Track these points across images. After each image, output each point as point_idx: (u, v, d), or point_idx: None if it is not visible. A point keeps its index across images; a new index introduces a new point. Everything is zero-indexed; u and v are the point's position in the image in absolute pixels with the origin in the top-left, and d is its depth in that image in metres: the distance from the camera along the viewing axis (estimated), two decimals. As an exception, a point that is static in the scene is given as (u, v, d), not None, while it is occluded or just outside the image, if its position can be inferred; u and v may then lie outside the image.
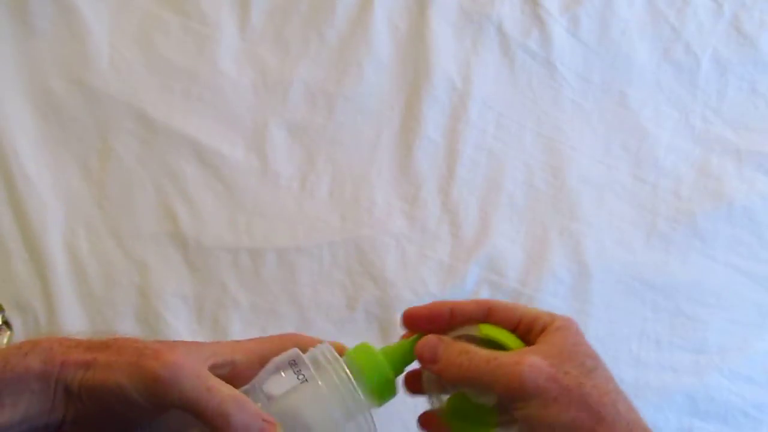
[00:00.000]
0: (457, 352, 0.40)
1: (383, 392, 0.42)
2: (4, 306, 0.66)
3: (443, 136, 0.79)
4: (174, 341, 0.42)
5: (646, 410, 0.73)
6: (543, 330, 0.42)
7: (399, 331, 0.48)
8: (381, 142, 0.78)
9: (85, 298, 0.67)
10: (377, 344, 0.44)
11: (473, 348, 0.40)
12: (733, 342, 0.77)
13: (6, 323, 0.65)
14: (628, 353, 0.74)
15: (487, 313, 0.43)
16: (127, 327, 0.67)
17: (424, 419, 0.46)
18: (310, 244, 0.72)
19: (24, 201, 0.68)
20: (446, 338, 0.42)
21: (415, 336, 0.45)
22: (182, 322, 0.68)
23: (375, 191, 0.76)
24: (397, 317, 0.47)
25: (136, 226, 0.70)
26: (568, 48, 0.85)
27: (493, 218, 0.77)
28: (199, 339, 0.68)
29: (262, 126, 0.76)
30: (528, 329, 0.43)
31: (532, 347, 0.40)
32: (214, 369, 0.39)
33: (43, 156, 0.71)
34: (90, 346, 0.38)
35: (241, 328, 0.68)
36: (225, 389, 0.37)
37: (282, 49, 0.79)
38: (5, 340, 0.65)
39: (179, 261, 0.70)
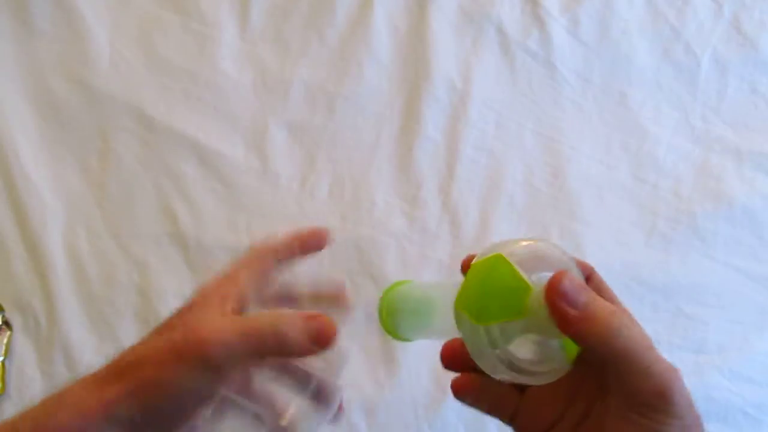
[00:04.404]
0: (612, 311, 0.33)
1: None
2: (4, 306, 0.66)
3: (443, 136, 0.79)
4: (184, 310, 0.40)
5: (646, 410, 0.73)
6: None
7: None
8: (381, 142, 0.78)
9: (85, 298, 0.67)
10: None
11: (630, 316, 0.34)
12: (733, 342, 0.77)
13: (6, 323, 0.65)
14: (628, 353, 0.74)
15: (588, 276, 0.38)
16: (127, 327, 0.67)
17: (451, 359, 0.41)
18: (310, 244, 0.72)
19: (24, 201, 0.68)
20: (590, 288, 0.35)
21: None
22: (182, 322, 0.68)
23: (375, 191, 0.76)
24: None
25: (136, 226, 0.70)
26: (568, 48, 0.85)
27: (493, 218, 0.77)
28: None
29: (262, 126, 0.76)
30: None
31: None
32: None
33: (43, 156, 0.71)
34: (112, 371, 0.36)
35: (241, 328, 0.68)
36: (258, 321, 0.36)
37: (282, 49, 0.79)
38: (5, 340, 0.65)
39: (179, 261, 0.70)
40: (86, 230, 0.69)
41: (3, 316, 0.65)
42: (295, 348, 0.36)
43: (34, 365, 0.65)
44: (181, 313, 0.39)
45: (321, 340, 0.36)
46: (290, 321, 0.36)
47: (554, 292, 0.33)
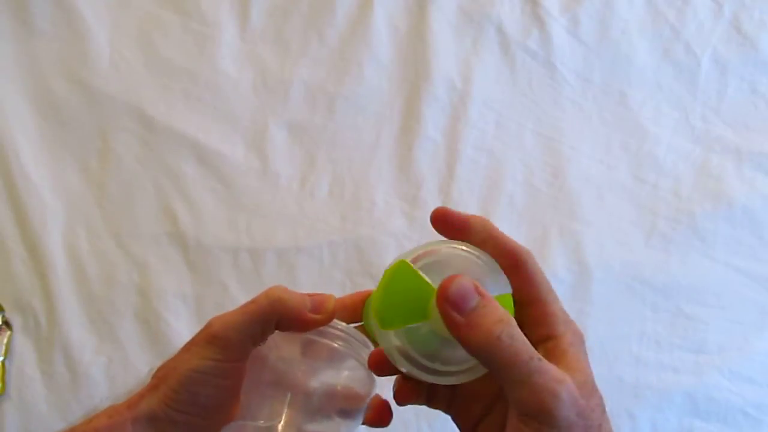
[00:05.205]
0: (497, 319, 0.33)
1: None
2: (4, 306, 0.66)
3: (443, 136, 0.79)
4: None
5: (646, 410, 0.73)
6: (550, 333, 0.36)
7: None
8: (381, 142, 0.78)
9: (85, 298, 0.67)
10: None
11: (515, 325, 0.33)
12: (733, 342, 0.77)
13: (6, 323, 0.65)
14: (628, 353, 0.74)
15: (516, 266, 0.37)
16: (127, 327, 0.67)
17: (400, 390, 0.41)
18: (310, 244, 0.72)
19: (24, 201, 0.68)
20: (488, 293, 0.34)
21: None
22: (182, 322, 0.68)
23: (375, 191, 0.76)
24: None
25: (136, 226, 0.70)
26: (568, 48, 0.85)
27: (493, 218, 0.76)
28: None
29: (262, 126, 0.76)
30: (537, 319, 0.37)
31: (565, 367, 0.34)
32: None
33: (43, 156, 0.71)
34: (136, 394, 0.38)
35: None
36: (258, 297, 0.38)
37: (282, 49, 0.79)
38: (5, 340, 0.65)
39: (179, 261, 0.70)
40: (86, 230, 0.69)
41: (3, 316, 0.65)
42: (294, 314, 0.38)
43: (34, 365, 0.65)
44: (193, 341, 0.41)
45: (319, 308, 0.39)
46: (289, 292, 0.39)
47: (441, 296, 0.33)
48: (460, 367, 0.36)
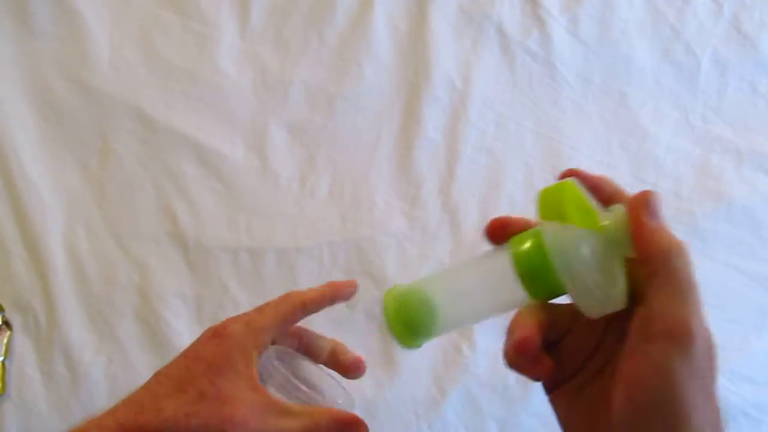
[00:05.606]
0: (671, 233, 0.34)
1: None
2: (4, 306, 0.66)
3: (443, 136, 0.79)
4: (209, 361, 0.41)
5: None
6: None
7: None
8: (381, 142, 0.78)
9: (85, 298, 0.67)
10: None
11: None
12: (733, 342, 0.77)
13: (6, 323, 0.65)
14: (628, 353, 0.74)
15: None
16: (127, 327, 0.67)
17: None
18: (310, 244, 0.72)
19: (24, 201, 0.68)
20: None
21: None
22: (182, 322, 0.68)
23: (375, 191, 0.76)
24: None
25: (136, 226, 0.70)
26: (568, 48, 0.85)
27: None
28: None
29: (262, 126, 0.76)
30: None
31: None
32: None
33: (43, 156, 0.71)
34: (131, 409, 0.38)
35: (241, 328, 0.68)
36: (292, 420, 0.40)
37: (282, 49, 0.79)
38: (5, 340, 0.65)
39: (179, 261, 0.70)
40: (86, 230, 0.69)
41: (3, 316, 0.65)
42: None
43: (34, 365, 0.65)
44: (207, 365, 0.40)
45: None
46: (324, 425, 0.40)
47: (639, 199, 0.34)
48: (614, 292, 0.35)
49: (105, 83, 0.74)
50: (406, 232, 0.75)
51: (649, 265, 0.34)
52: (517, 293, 0.37)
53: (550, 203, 0.36)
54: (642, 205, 0.34)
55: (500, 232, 0.39)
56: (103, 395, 0.65)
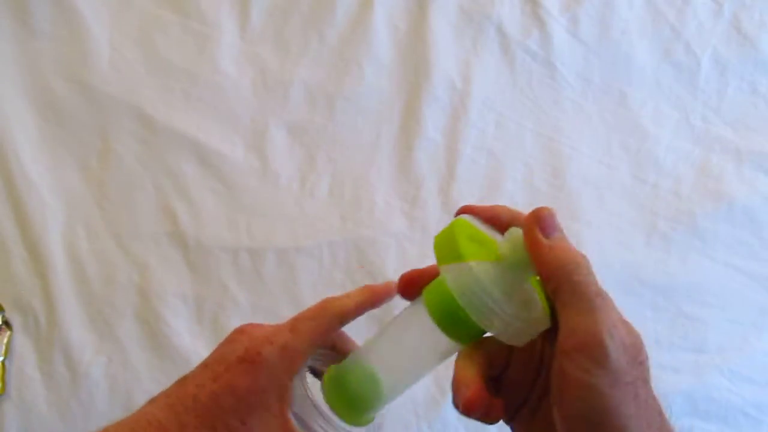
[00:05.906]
0: (576, 251, 0.35)
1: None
2: (4, 306, 0.66)
3: (443, 136, 0.79)
4: (237, 388, 0.38)
5: (646, 410, 0.73)
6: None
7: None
8: (381, 142, 0.78)
9: (85, 298, 0.67)
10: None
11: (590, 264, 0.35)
12: (733, 342, 0.77)
13: (6, 323, 0.65)
14: (628, 353, 0.74)
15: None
16: (127, 327, 0.67)
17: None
18: (310, 244, 0.72)
19: (24, 201, 0.68)
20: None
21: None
22: (182, 322, 0.68)
23: (375, 191, 0.76)
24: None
25: (136, 226, 0.70)
26: (568, 48, 0.85)
27: (493, 218, 0.77)
28: (199, 339, 0.68)
29: (262, 126, 0.76)
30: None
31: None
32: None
33: (43, 156, 0.71)
34: None
35: (241, 328, 0.68)
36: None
37: (282, 49, 0.79)
38: (5, 340, 0.65)
39: (179, 261, 0.70)
40: (86, 230, 0.69)
41: (3, 316, 0.65)
42: None
43: (34, 365, 0.65)
44: (237, 400, 0.37)
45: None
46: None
47: (531, 217, 0.34)
48: (530, 315, 0.35)
49: (105, 83, 0.74)
50: (406, 232, 0.75)
51: (550, 282, 0.34)
52: (446, 343, 0.36)
53: (447, 246, 0.36)
54: (534, 223, 0.34)
55: (412, 287, 0.40)
56: (103, 395, 0.65)
